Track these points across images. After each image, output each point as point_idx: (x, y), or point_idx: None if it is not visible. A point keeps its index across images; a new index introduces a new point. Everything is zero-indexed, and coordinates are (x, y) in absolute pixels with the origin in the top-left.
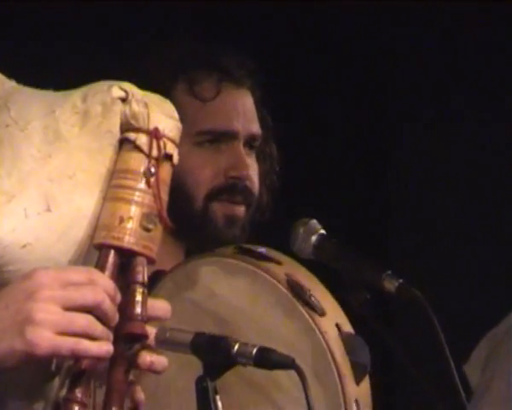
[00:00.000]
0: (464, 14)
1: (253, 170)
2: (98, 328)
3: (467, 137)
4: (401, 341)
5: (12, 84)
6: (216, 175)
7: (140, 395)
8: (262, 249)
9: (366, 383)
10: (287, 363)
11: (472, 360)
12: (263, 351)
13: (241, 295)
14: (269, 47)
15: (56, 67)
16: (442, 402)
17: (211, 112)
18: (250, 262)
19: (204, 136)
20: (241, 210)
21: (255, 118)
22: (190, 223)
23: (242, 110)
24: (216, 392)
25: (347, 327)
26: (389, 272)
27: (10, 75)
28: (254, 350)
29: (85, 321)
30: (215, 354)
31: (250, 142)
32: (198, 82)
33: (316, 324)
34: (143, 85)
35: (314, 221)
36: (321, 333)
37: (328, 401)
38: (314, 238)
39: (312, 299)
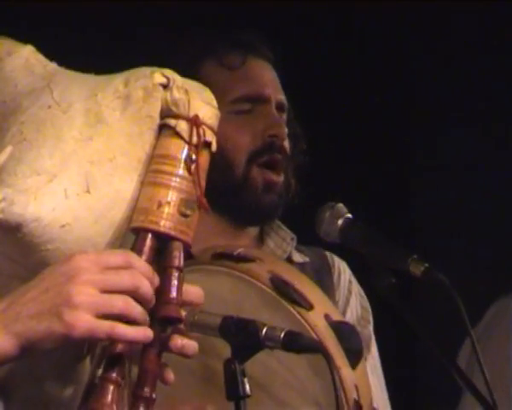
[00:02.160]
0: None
1: (286, 132)
2: (136, 309)
3: (494, 135)
4: (426, 325)
5: (53, 65)
6: (254, 137)
7: (171, 376)
8: (239, 250)
9: (362, 366)
10: (314, 347)
11: (459, 357)
12: (291, 335)
13: (226, 300)
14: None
15: (89, 54)
16: (467, 389)
17: (241, 79)
18: (230, 266)
19: (238, 103)
20: (279, 177)
21: (280, 87)
22: (230, 190)
23: (269, 78)
24: (244, 375)
25: (336, 315)
26: (415, 256)
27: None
28: (282, 334)
29: (123, 303)
30: (243, 338)
31: (279, 108)
32: (224, 54)
33: (305, 319)
34: (173, 67)
35: (340, 205)
36: (310, 327)
37: (327, 392)
38: (340, 222)
39: (298, 294)
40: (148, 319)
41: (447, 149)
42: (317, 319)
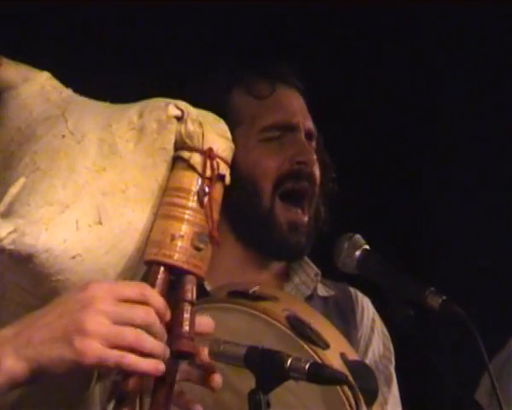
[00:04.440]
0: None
1: (315, 159)
2: (147, 342)
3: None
4: (444, 359)
5: (69, 92)
6: (282, 163)
7: (196, 405)
8: (255, 289)
9: (377, 406)
10: (339, 378)
11: (480, 388)
12: (316, 367)
13: (243, 338)
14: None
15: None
16: None
17: (270, 108)
18: (246, 304)
19: (267, 131)
20: (304, 216)
21: (309, 116)
22: (257, 221)
23: (298, 106)
24: (268, 405)
25: (352, 355)
26: (432, 288)
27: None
28: (307, 365)
29: (134, 336)
30: (268, 368)
31: (308, 136)
32: (253, 84)
33: (321, 358)
34: (201, 96)
35: (358, 236)
36: None
37: None
38: (358, 253)
39: (314, 333)
40: (165, 350)
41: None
42: (333, 358)
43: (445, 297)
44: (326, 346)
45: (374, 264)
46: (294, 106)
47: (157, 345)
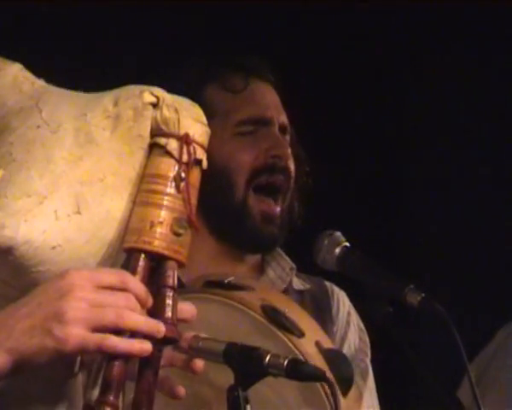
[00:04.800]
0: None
1: (290, 153)
2: (130, 317)
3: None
4: (422, 354)
5: (41, 83)
6: (257, 157)
7: (180, 389)
8: (230, 279)
9: (353, 393)
10: (318, 375)
11: (463, 385)
12: (294, 363)
13: (218, 327)
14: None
15: (86, 71)
16: None
17: (244, 102)
18: (221, 294)
19: (242, 126)
20: (277, 207)
21: (283, 110)
22: (230, 215)
23: (271, 100)
24: (247, 401)
25: (327, 343)
26: (412, 285)
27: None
28: (286, 361)
29: (115, 314)
30: (247, 365)
31: (282, 130)
32: (227, 78)
33: (296, 346)
34: (174, 89)
35: (338, 233)
36: (302, 355)
37: None
38: (338, 250)
39: (289, 321)
40: (152, 325)
41: (443, 172)
42: (308, 347)
43: (424, 294)
44: (301, 334)
45: (353, 261)
46: (268, 100)
47: (141, 319)
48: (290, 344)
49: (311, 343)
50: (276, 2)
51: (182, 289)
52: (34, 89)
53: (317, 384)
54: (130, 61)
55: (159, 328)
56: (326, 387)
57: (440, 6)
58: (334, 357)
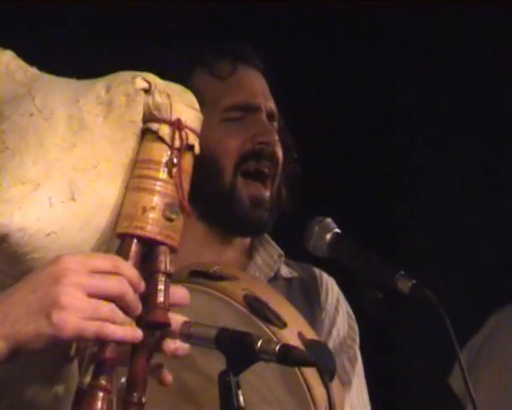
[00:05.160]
0: None
1: (277, 140)
2: (120, 316)
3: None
4: (412, 341)
5: (34, 71)
6: (244, 143)
7: (168, 376)
8: (216, 268)
9: (335, 386)
10: (309, 360)
11: (454, 372)
12: (285, 348)
13: (202, 317)
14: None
15: (77, 58)
16: (451, 404)
17: (231, 88)
18: (206, 284)
19: (229, 112)
20: (266, 191)
21: (270, 96)
22: (219, 199)
23: (259, 87)
24: (238, 387)
25: (310, 334)
26: (402, 272)
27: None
28: (277, 347)
29: (108, 309)
30: (239, 350)
31: (270, 117)
32: (214, 64)
33: (277, 337)
34: (162, 75)
35: (329, 220)
36: None
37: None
38: (329, 236)
39: (271, 312)
40: (133, 324)
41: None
42: (290, 338)
43: (414, 281)
44: (283, 325)
45: (344, 248)
46: (256, 86)
47: (127, 318)
48: (271, 335)
49: (293, 334)
50: None
51: None
52: (27, 77)
53: (296, 370)
54: (117, 48)
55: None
56: (305, 373)
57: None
58: (317, 348)
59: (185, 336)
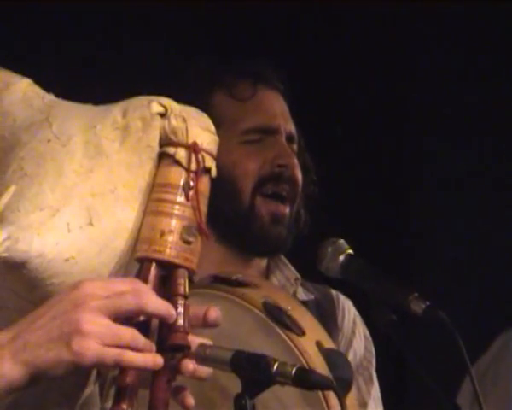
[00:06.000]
0: None
1: (297, 163)
2: (141, 341)
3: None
4: (425, 363)
5: (51, 97)
6: (263, 165)
7: (190, 400)
8: (238, 276)
9: (351, 397)
10: (326, 383)
11: (462, 392)
12: (302, 371)
13: (222, 324)
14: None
15: (95, 83)
16: None
17: (251, 110)
18: (226, 290)
19: (248, 134)
20: (285, 208)
21: (290, 118)
22: (237, 219)
23: (279, 109)
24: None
25: (328, 344)
26: (416, 294)
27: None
28: (293, 370)
29: (129, 334)
30: (254, 373)
31: (289, 139)
32: (234, 85)
33: (295, 344)
34: (182, 97)
35: (342, 241)
36: (300, 353)
37: None
38: (342, 258)
39: (290, 320)
40: (154, 348)
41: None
42: (308, 346)
43: (428, 303)
44: (302, 333)
45: (357, 269)
46: (275, 108)
47: (148, 342)
48: (289, 342)
49: (311, 342)
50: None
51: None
52: (44, 103)
53: (319, 392)
54: (136, 70)
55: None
56: (326, 393)
57: None
58: (334, 357)
59: (201, 358)
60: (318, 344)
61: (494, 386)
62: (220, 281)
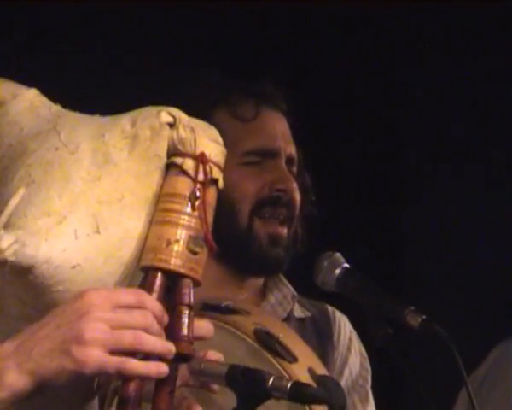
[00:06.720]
0: None
1: (296, 186)
2: (147, 341)
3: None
4: (422, 377)
5: (58, 108)
6: (261, 188)
7: (198, 408)
8: (228, 303)
9: None
10: (321, 398)
11: (458, 404)
12: (297, 385)
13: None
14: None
15: (97, 97)
16: None
17: (252, 132)
18: (217, 317)
19: (248, 156)
20: (283, 230)
21: (292, 140)
22: (235, 240)
23: (281, 131)
24: None
25: (321, 370)
26: (412, 307)
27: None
28: (289, 384)
29: (133, 337)
30: (250, 387)
31: (289, 162)
32: (238, 105)
33: (287, 372)
34: (184, 112)
35: (338, 254)
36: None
37: None
38: (338, 271)
39: (282, 346)
40: (167, 346)
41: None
42: (300, 372)
43: (424, 316)
44: (294, 360)
45: (353, 282)
46: (277, 130)
47: (158, 342)
48: (281, 369)
49: (303, 369)
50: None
51: None
52: (51, 113)
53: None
54: (139, 84)
55: (170, 348)
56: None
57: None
58: (327, 384)
59: (196, 372)
60: (310, 371)
61: (489, 397)
62: (210, 308)
